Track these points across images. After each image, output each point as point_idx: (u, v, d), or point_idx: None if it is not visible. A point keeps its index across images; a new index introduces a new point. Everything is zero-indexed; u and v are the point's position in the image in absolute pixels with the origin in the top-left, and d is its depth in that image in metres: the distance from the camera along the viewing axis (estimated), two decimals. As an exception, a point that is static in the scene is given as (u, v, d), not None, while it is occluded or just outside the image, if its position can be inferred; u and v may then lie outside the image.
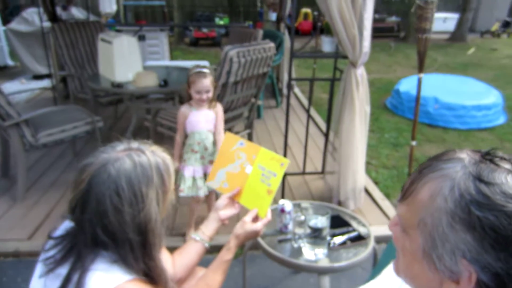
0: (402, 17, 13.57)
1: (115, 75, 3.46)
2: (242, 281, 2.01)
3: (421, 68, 2.45)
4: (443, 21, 12.70)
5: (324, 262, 1.59)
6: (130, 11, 11.41)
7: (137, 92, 3.50)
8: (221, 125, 2.34)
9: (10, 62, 7.68)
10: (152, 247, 0.92)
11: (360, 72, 2.49)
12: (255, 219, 1.27)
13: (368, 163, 3.25)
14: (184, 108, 2.28)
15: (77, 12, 6.61)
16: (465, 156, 0.60)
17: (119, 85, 3.31)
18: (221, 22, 13.10)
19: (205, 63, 5.51)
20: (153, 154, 0.94)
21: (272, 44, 2.86)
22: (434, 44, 10.81)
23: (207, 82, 2.16)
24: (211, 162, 2.27)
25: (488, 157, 0.59)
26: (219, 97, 2.72)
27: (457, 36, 12.05)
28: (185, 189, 2.26)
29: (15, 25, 6.40)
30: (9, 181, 3.13)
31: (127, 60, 3.53)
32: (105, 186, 0.85)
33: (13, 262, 2.31)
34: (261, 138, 4.15)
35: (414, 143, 2.64)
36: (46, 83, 6.05)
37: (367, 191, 3.05)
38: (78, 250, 0.87)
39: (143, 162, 0.90)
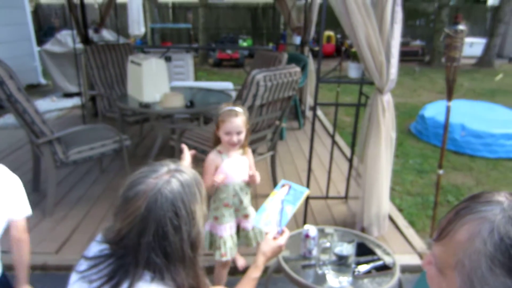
0: (426, 41, 13.53)
1: (143, 95, 3.57)
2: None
3: (449, 96, 2.42)
4: (470, 46, 12.55)
5: (349, 291, 1.56)
6: (157, 33, 11.83)
7: (164, 112, 3.59)
8: (253, 167, 2.06)
9: (42, 81, 8.05)
10: (199, 260, 0.99)
11: (387, 99, 2.49)
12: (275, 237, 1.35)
13: (392, 189, 3.20)
14: (213, 156, 1.92)
15: (107, 34, 6.91)
16: (504, 199, 0.61)
17: (147, 106, 3.41)
18: (245, 44, 13.39)
19: (228, 84, 5.63)
20: (189, 171, 1.01)
21: (298, 69, 2.90)
22: (460, 69, 10.65)
23: (239, 121, 1.83)
24: (245, 216, 2.03)
25: None
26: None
27: (484, 62, 11.86)
28: (228, 252, 1.95)
29: (49, 46, 6.74)
30: (39, 196, 3.23)
31: (155, 81, 3.64)
32: (164, 208, 0.91)
33: (40, 275, 2.36)
34: (283, 160, 4.15)
35: (441, 171, 2.59)
36: (75, 101, 6.30)
37: (390, 218, 2.99)
38: (125, 271, 0.91)
39: (188, 181, 0.97)
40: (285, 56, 4.11)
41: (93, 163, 3.78)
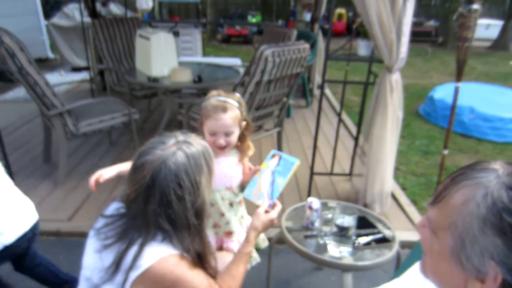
0: (441, 21, 13.18)
1: (151, 70, 3.59)
2: (267, 273, 2.06)
3: (459, 77, 2.40)
4: (486, 28, 12.18)
5: (348, 260, 1.62)
6: (164, 7, 11.68)
7: (172, 87, 3.62)
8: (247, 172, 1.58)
9: (50, 55, 8.06)
10: (204, 226, 1.05)
11: (395, 78, 2.48)
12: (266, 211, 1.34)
13: (396, 169, 3.23)
14: None
15: (115, 8, 6.86)
16: (499, 167, 0.64)
17: (155, 80, 3.43)
18: (254, 20, 13.22)
19: (236, 60, 5.60)
20: (198, 143, 1.04)
21: (307, 45, 2.89)
22: (474, 52, 10.37)
23: (227, 119, 1.39)
24: (227, 234, 1.56)
25: None
26: (252, 95, 2.78)
27: (499, 45, 11.52)
28: None
29: (57, 20, 6.71)
30: (50, 167, 3.32)
31: (163, 56, 3.65)
32: (168, 179, 0.96)
33: (55, 241, 2.46)
34: (290, 137, 4.18)
35: (446, 152, 2.60)
36: (84, 75, 6.32)
37: (393, 196, 3.04)
38: (137, 231, 0.98)
39: (194, 154, 1.00)
40: (295, 33, 4.08)
41: (102, 136, 3.85)
